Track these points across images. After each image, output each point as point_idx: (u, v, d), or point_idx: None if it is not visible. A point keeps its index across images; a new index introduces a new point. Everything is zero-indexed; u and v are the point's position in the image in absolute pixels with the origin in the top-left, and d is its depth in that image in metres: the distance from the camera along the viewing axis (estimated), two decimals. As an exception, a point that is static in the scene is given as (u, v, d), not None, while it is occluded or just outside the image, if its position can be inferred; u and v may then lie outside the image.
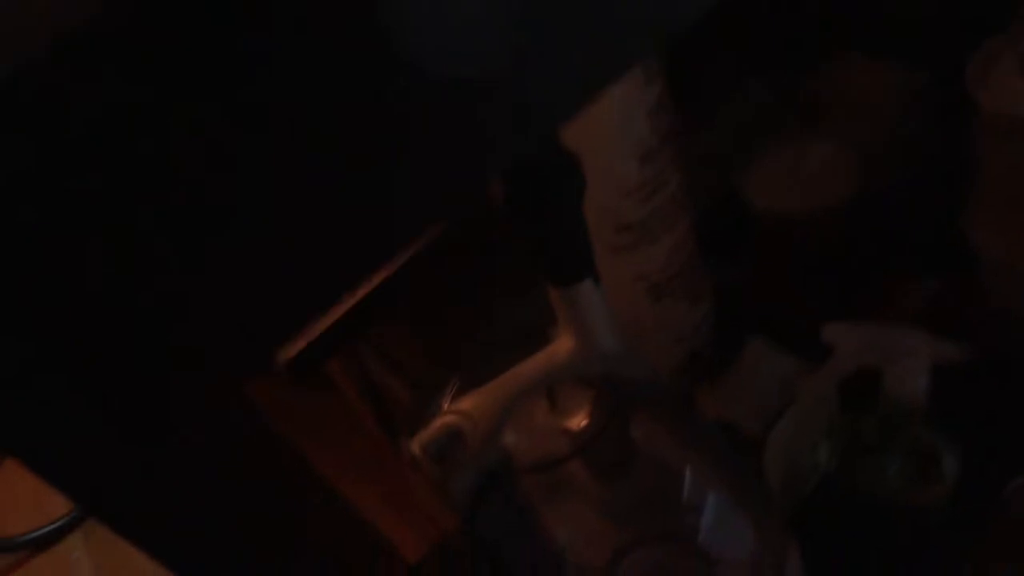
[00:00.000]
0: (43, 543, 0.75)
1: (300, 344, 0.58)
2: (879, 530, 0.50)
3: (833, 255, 0.60)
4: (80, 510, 0.75)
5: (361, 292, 0.60)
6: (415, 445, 0.42)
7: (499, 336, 0.46)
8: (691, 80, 0.54)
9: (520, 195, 0.37)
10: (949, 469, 0.48)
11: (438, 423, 0.42)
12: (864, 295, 0.58)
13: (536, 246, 0.39)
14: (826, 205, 0.59)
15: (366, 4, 0.16)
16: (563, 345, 0.43)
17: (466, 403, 0.43)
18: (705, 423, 0.49)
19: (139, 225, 0.16)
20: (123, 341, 0.17)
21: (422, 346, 0.61)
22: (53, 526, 0.75)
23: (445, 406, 0.44)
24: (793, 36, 0.63)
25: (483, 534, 0.42)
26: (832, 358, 0.48)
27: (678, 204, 0.50)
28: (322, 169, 0.18)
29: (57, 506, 0.76)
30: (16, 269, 0.15)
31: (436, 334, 0.59)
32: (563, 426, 0.43)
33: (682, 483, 0.48)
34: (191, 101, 0.15)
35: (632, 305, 0.51)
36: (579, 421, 0.43)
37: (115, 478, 0.18)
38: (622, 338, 0.43)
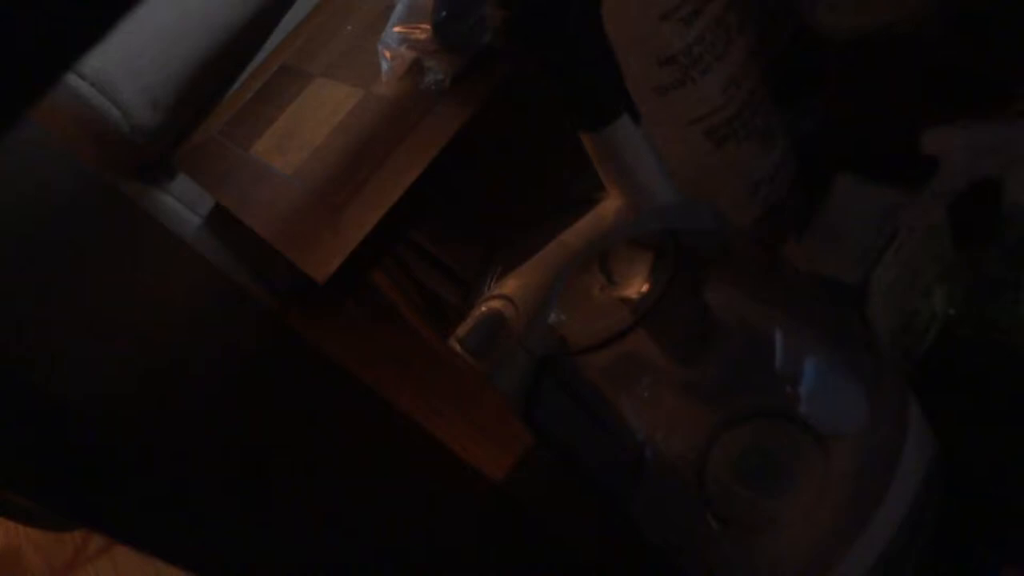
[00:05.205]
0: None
1: (342, 256, 0.54)
2: (1019, 379, 0.43)
3: (924, 76, 0.51)
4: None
5: (393, 196, 0.54)
6: (453, 342, 0.36)
7: (546, 211, 0.39)
8: None
9: (526, 11, 0.31)
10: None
11: (475, 313, 0.36)
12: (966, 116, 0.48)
13: (554, 77, 0.32)
14: (903, 17, 0.50)
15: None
16: (609, 204, 0.37)
17: (507, 286, 0.37)
18: (796, 277, 0.41)
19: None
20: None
21: (465, 242, 0.55)
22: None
23: (486, 293, 0.38)
24: None
25: (546, 429, 0.36)
26: (938, 175, 0.40)
27: (728, 26, 0.42)
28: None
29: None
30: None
31: (478, 227, 0.53)
32: (621, 296, 0.37)
33: (773, 350, 0.41)
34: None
35: (691, 154, 0.44)
36: (638, 288, 0.36)
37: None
38: (679, 188, 0.37)
